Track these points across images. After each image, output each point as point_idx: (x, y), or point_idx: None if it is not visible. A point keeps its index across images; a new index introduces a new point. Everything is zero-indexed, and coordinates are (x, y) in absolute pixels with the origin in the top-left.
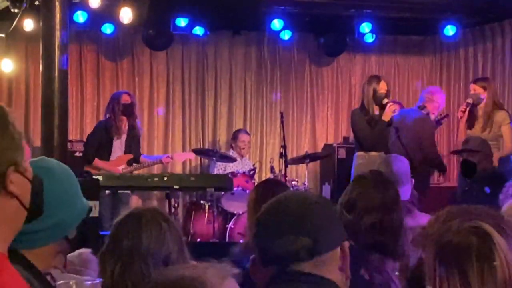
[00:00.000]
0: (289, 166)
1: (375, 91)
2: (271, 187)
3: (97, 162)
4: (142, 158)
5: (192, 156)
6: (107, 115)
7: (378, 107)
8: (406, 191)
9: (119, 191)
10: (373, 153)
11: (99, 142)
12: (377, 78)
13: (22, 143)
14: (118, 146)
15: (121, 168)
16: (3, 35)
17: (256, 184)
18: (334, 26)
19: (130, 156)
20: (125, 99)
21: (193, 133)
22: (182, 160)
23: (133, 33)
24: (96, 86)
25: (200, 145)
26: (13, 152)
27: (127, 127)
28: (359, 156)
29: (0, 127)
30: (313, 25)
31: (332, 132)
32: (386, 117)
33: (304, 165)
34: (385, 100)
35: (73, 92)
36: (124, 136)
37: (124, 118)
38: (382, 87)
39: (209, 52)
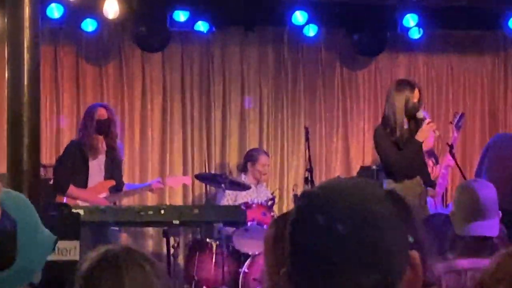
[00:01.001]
0: None
1: (407, 102)
2: None
3: (72, 190)
4: (125, 189)
5: (189, 180)
6: (80, 133)
7: (407, 121)
8: (494, 226)
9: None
10: (406, 182)
11: (73, 165)
12: (410, 85)
13: None
14: (96, 168)
15: (103, 196)
16: None
17: (275, 217)
18: (371, 19)
19: (112, 182)
20: (100, 113)
21: (197, 155)
22: (176, 186)
23: (120, 30)
24: (75, 96)
25: (205, 170)
26: None
27: (104, 147)
28: (389, 185)
29: None
30: (344, 18)
31: (369, 151)
32: (421, 136)
33: None
34: (421, 115)
35: (47, 104)
36: (101, 158)
37: (100, 137)
38: (416, 96)
39: (216, 54)
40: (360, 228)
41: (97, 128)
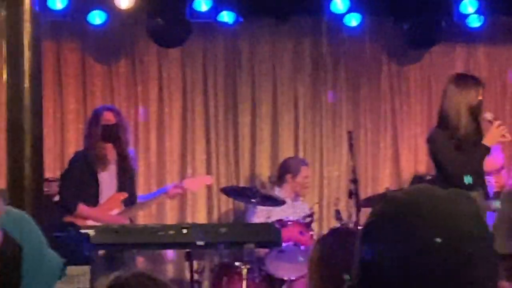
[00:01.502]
0: (362, 209)
1: (472, 100)
2: (344, 241)
3: (82, 209)
4: (139, 201)
5: (210, 180)
6: (84, 143)
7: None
8: None
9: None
10: (472, 193)
11: (80, 180)
12: (475, 81)
13: None
14: (107, 180)
15: (117, 212)
16: None
17: (321, 236)
18: (423, 5)
19: (124, 194)
20: (107, 117)
21: (222, 165)
22: (196, 189)
23: (133, 23)
24: (81, 100)
25: (232, 182)
26: None
27: (114, 156)
28: None
29: None
30: (392, 5)
31: (423, 158)
32: (491, 141)
33: None
34: (489, 116)
35: (49, 110)
36: (112, 168)
37: (108, 145)
38: (481, 94)
39: (243, 48)
40: (446, 245)
41: (104, 134)
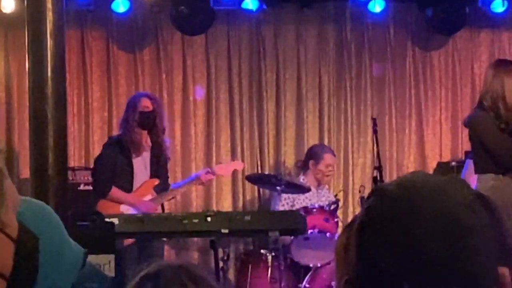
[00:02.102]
0: None
1: None
2: None
3: (114, 192)
4: (171, 188)
5: (240, 165)
6: (119, 129)
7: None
8: None
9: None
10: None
11: (114, 165)
12: None
13: (3, 186)
14: (141, 167)
15: (149, 198)
16: None
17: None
18: None
19: (156, 181)
20: (144, 104)
21: (247, 152)
22: (227, 174)
23: (157, 11)
24: (106, 88)
25: (256, 170)
26: None
27: (149, 143)
28: (486, 183)
29: None
30: None
31: (448, 144)
32: None
33: None
34: None
35: (74, 98)
36: (146, 155)
37: (143, 132)
38: None
39: (267, 35)
40: (443, 239)
41: (140, 121)
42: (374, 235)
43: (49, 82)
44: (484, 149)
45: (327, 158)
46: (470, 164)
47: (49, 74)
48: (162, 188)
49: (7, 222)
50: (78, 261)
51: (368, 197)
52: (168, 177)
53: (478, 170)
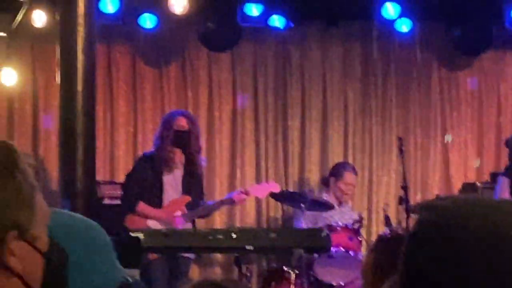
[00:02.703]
0: (411, 215)
1: None
2: (398, 248)
3: (142, 207)
4: (203, 206)
5: (277, 188)
6: (155, 144)
7: None
8: None
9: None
10: None
11: (143, 180)
12: None
13: (34, 200)
14: (172, 183)
15: (178, 214)
16: (4, 34)
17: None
18: (473, 11)
19: (188, 198)
20: (180, 123)
21: (271, 169)
22: (263, 196)
23: (184, 26)
24: (132, 103)
25: (281, 187)
26: (18, 212)
27: (182, 161)
28: None
29: (5, 174)
30: (443, 11)
31: (473, 165)
32: None
33: None
34: None
35: (99, 113)
36: (178, 172)
37: (177, 150)
38: None
39: (293, 53)
40: (491, 258)
41: (175, 140)
42: (424, 247)
43: (79, 97)
44: None
45: (347, 176)
46: (503, 182)
47: (79, 88)
48: (194, 206)
49: (37, 235)
50: (112, 281)
51: (415, 211)
52: (203, 195)
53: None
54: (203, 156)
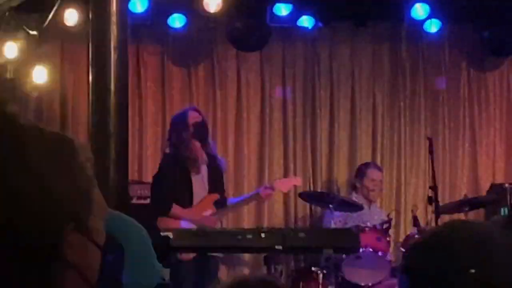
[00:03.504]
0: (441, 216)
1: None
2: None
3: (176, 210)
4: (229, 203)
5: (299, 181)
6: (171, 148)
7: None
8: None
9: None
10: None
11: (173, 182)
12: None
13: (92, 193)
14: (200, 184)
15: (209, 213)
16: (35, 33)
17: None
18: (504, 12)
19: (216, 196)
20: (194, 117)
21: (299, 170)
22: (286, 190)
23: (213, 26)
24: (160, 102)
25: (309, 187)
26: (75, 204)
27: (204, 156)
28: None
29: (63, 166)
30: (472, 12)
31: (502, 166)
32: None
33: (462, 215)
34: None
35: (128, 112)
36: (204, 169)
37: (198, 144)
38: None
39: (322, 53)
40: (481, 278)
41: (195, 133)
42: (420, 262)
43: (112, 95)
44: None
45: (371, 173)
46: None
47: (112, 87)
48: (221, 202)
49: (95, 228)
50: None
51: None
52: (224, 191)
53: None
54: (229, 155)
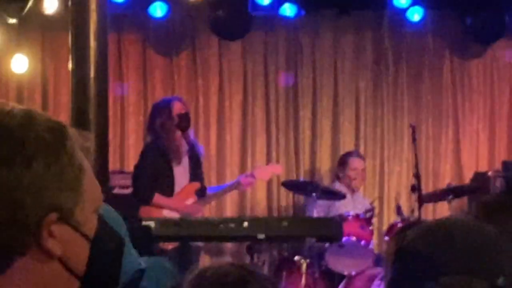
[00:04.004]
0: (424, 204)
1: None
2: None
3: (158, 199)
4: (208, 193)
5: (279, 169)
6: (153, 135)
7: None
8: None
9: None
10: None
11: (155, 172)
12: None
13: (81, 183)
14: (181, 174)
15: (191, 202)
16: (14, 21)
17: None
18: (486, 0)
19: (197, 184)
20: (178, 107)
21: (282, 159)
22: (267, 178)
23: (194, 15)
24: (141, 92)
25: (292, 176)
26: (59, 194)
27: (186, 146)
28: None
29: (50, 153)
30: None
31: (485, 154)
32: None
33: (445, 203)
34: None
35: (110, 102)
36: (186, 160)
37: (179, 134)
38: None
39: (305, 41)
40: (473, 237)
41: (179, 123)
42: (411, 261)
43: (92, 83)
44: None
45: (353, 162)
46: None
47: (92, 75)
48: (201, 191)
49: (83, 220)
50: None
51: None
52: (203, 179)
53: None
54: (212, 144)
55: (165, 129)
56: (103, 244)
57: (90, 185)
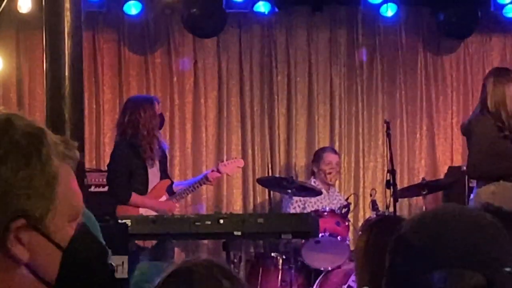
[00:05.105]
0: (399, 199)
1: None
2: (391, 229)
3: (135, 198)
4: (174, 187)
5: (241, 163)
6: (131, 131)
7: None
8: None
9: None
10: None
11: (130, 170)
12: None
13: (54, 191)
14: (153, 171)
15: (163, 199)
16: None
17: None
18: None
19: (168, 181)
20: (158, 108)
21: (258, 155)
22: (232, 172)
23: (169, 13)
24: (117, 90)
25: (268, 173)
26: (26, 200)
27: (157, 146)
28: (488, 189)
29: (20, 158)
30: None
31: (459, 149)
32: None
33: (420, 198)
34: None
35: (85, 100)
36: (157, 159)
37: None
38: None
39: (279, 38)
40: (467, 229)
41: (161, 124)
42: (408, 253)
43: (67, 82)
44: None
45: (326, 156)
46: None
47: (66, 74)
48: (169, 187)
49: (54, 228)
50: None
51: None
52: (169, 175)
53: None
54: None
55: (148, 129)
56: (78, 254)
57: (66, 194)
